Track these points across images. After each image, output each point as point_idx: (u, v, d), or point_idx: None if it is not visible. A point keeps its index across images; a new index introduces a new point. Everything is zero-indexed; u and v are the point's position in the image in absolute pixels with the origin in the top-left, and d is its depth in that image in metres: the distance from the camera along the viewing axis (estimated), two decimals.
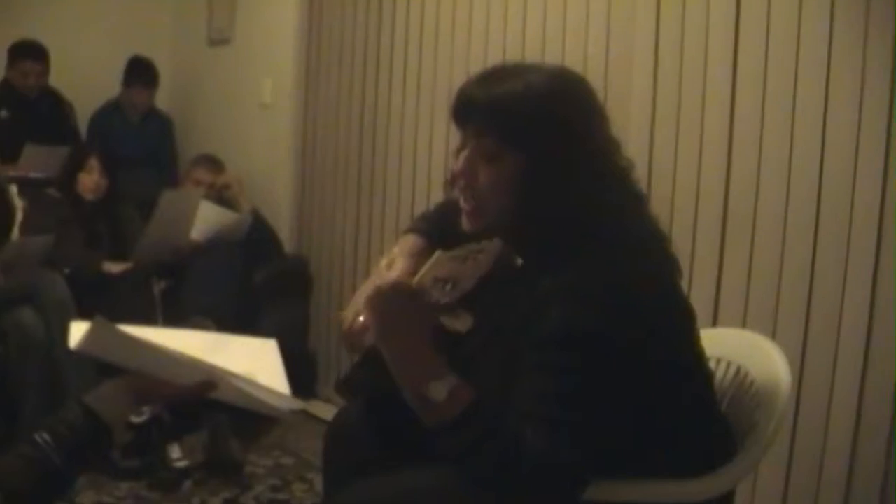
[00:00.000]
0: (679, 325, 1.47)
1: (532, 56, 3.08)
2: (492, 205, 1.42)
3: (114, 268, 3.56)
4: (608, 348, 1.31)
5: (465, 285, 1.24)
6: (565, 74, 1.49)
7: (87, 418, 1.27)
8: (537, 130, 1.38)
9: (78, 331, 1.31)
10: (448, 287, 1.25)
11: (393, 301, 1.35)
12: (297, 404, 1.47)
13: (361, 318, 1.52)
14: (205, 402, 1.42)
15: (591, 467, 1.30)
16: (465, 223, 1.47)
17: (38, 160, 4.03)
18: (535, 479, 1.27)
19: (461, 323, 1.33)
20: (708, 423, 1.52)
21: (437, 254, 1.38)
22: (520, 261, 1.50)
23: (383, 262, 1.42)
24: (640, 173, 1.54)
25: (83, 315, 3.08)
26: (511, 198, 1.39)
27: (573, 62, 2.92)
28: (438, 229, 1.62)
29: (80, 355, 1.38)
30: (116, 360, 1.36)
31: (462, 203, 1.47)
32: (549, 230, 1.39)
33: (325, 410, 3.56)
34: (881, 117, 2.24)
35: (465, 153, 1.44)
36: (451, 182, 1.50)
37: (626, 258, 1.37)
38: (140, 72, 4.73)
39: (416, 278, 1.34)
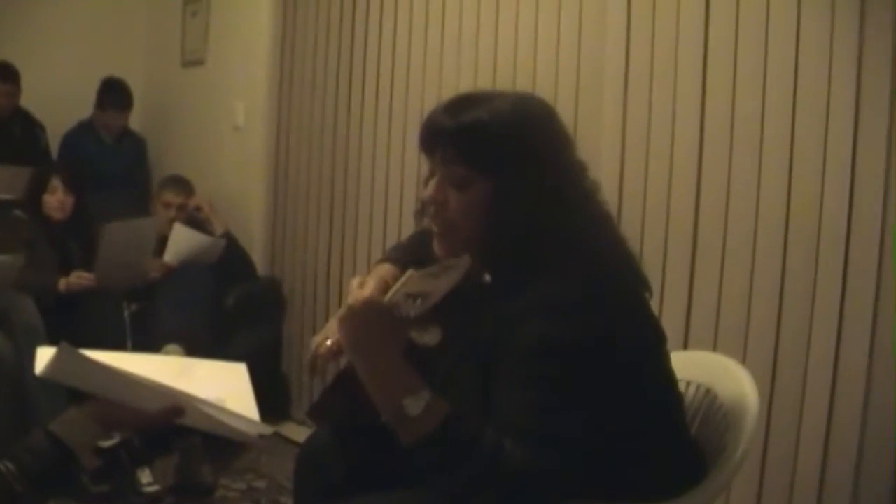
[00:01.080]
0: (650, 342, 1.49)
1: (503, 80, 3.09)
2: (463, 229, 1.44)
3: (73, 282, 3.51)
4: (584, 360, 1.32)
5: (435, 298, 1.24)
6: (530, 100, 1.52)
7: (51, 445, 1.26)
8: (504, 157, 1.41)
9: (44, 356, 1.30)
10: (418, 301, 1.25)
11: (366, 318, 1.34)
12: (267, 429, 1.46)
13: (329, 342, 1.54)
14: (174, 427, 1.41)
15: (570, 478, 1.29)
16: (437, 247, 1.49)
17: (2, 181, 4.00)
18: (515, 490, 1.26)
19: (430, 336, 1.34)
20: (678, 444, 1.52)
21: (409, 272, 1.38)
22: (488, 277, 1.51)
23: (354, 282, 1.41)
24: (610, 197, 1.58)
25: (54, 339, 3.07)
26: (481, 222, 1.42)
27: (544, 87, 2.95)
28: (412, 258, 1.62)
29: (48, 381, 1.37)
30: (83, 385, 1.35)
31: (434, 229, 1.49)
32: (518, 251, 1.41)
33: (299, 433, 3.55)
34: (846, 141, 2.26)
35: (434, 181, 1.46)
36: (421, 209, 1.53)
37: (598, 275, 1.40)
38: (114, 95, 4.69)
39: (388, 295, 1.34)
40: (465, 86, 3.26)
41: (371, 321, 1.34)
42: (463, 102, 1.47)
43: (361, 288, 1.37)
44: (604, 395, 1.33)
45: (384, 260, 1.67)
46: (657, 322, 1.54)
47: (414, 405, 1.28)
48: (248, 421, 1.43)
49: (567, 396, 1.30)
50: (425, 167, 1.54)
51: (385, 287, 1.42)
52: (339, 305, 1.70)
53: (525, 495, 1.27)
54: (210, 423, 1.40)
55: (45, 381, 1.32)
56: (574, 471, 1.28)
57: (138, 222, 3.79)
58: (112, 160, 4.73)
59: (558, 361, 1.31)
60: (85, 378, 1.33)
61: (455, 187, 1.43)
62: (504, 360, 1.35)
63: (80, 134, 4.76)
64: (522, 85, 3.01)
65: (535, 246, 1.40)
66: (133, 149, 4.90)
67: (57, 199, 3.70)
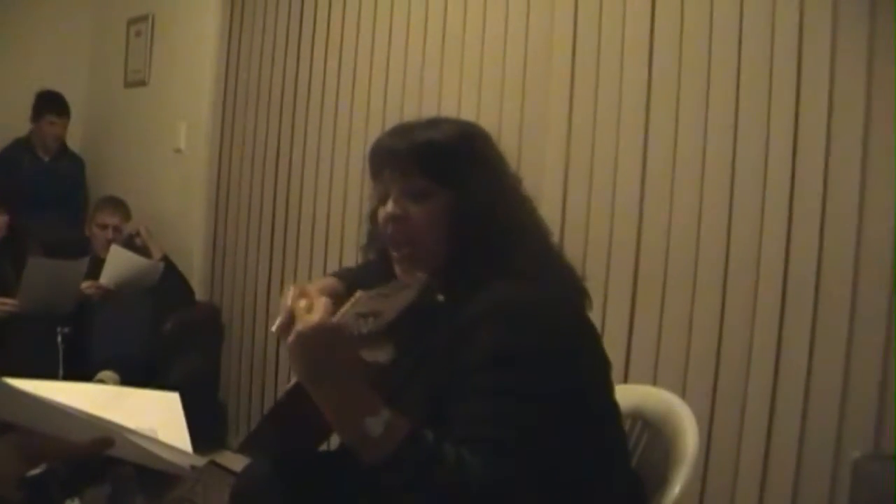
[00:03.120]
0: (596, 354, 1.50)
1: (448, 110, 3.10)
2: (424, 242, 1.45)
3: None
4: (536, 368, 1.33)
5: (388, 317, 1.22)
6: (470, 123, 1.61)
7: None
8: (462, 167, 1.46)
9: None
10: (370, 320, 1.23)
11: (317, 343, 1.31)
12: (199, 460, 1.42)
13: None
14: (104, 456, 1.36)
15: (526, 488, 1.28)
16: (398, 268, 1.49)
17: None
18: (480, 501, 1.25)
19: (382, 354, 1.31)
20: (621, 475, 1.52)
21: (358, 293, 1.37)
22: (441, 297, 1.50)
23: (302, 303, 1.36)
24: (553, 229, 1.58)
25: None
26: (445, 232, 1.44)
27: (488, 118, 2.97)
28: (358, 279, 1.61)
29: None
30: (6, 416, 1.29)
31: (394, 253, 1.49)
32: (475, 259, 1.43)
33: (236, 462, 3.49)
34: (784, 176, 2.30)
35: (393, 196, 1.47)
36: (369, 241, 1.57)
37: (546, 282, 1.42)
38: (50, 101, 4.63)
39: (337, 316, 1.31)
40: (409, 111, 3.27)
41: (323, 347, 1.30)
42: (411, 127, 1.52)
43: (309, 312, 1.34)
44: (558, 407, 1.33)
45: (329, 275, 1.66)
46: (601, 346, 1.54)
47: (374, 426, 1.25)
48: (180, 452, 1.39)
49: (524, 406, 1.30)
50: (369, 195, 1.55)
51: (332, 307, 1.39)
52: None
53: None
54: (140, 454, 1.35)
55: None
56: (530, 481, 1.28)
57: (64, 264, 3.66)
58: (49, 179, 4.65)
59: (513, 371, 1.31)
60: (10, 408, 1.27)
61: (414, 200, 1.45)
62: (459, 370, 1.34)
63: (16, 152, 4.66)
64: (466, 116, 3.03)
65: (492, 253, 1.43)
66: (70, 168, 4.82)
67: None
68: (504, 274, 1.39)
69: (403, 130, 1.51)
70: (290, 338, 1.28)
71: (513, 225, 1.46)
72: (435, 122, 1.52)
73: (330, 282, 1.65)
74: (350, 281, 1.64)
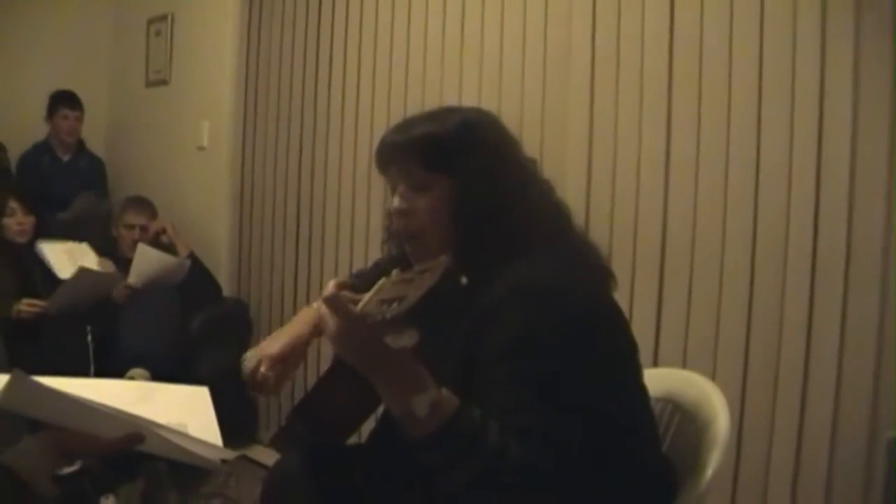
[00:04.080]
0: (622, 336, 1.50)
1: (468, 104, 3.09)
2: (432, 232, 1.48)
3: (23, 309, 3.48)
4: (570, 350, 1.33)
5: (411, 300, 1.22)
6: (476, 110, 1.61)
7: (3, 477, 1.22)
8: (458, 152, 1.47)
9: None
10: (394, 305, 1.22)
11: (352, 336, 1.30)
12: (229, 454, 1.43)
13: (262, 370, 1.57)
14: (137, 453, 1.37)
15: (567, 479, 1.28)
16: (412, 259, 1.51)
17: None
18: (520, 490, 1.25)
19: (406, 339, 1.31)
20: (651, 461, 1.51)
21: (382, 281, 1.37)
22: (465, 280, 1.51)
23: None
24: (577, 214, 1.58)
25: (15, 364, 3.00)
26: (449, 220, 1.46)
27: (510, 104, 2.95)
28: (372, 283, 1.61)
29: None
30: (38, 414, 1.31)
31: (406, 248, 1.53)
32: (487, 243, 1.43)
33: (267, 456, 3.51)
34: (810, 155, 2.28)
35: (398, 191, 1.51)
36: (387, 237, 1.60)
37: (566, 261, 1.43)
38: (62, 96, 4.67)
39: (361, 304, 1.31)
40: (430, 105, 3.24)
41: (359, 338, 1.29)
42: (411, 120, 1.55)
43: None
44: (591, 390, 1.34)
45: (342, 286, 1.65)
46: (628, 327, 1.53)
47: (420, 405, 1.26)
48: (210, 446, 1.39)
49: (561, 394, 1.30)
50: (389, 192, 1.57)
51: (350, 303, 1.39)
52: None
53: (531, 496, 1.25)
54: (170, 449, 1.36)
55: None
56: (572, 473, 1.27)
57: (107, 276, 3.76)
58: (66, 179, 4.69)
59: (547, 355, 1.32)
60: (40, 406, 1.29)
61: (417, 191, 1.48)
62: (489, 351, 1.34)
63: (36, 153, 4.71)
64: (488, 107, 3.02)
65: (503, 235, 1.43)
66: (89, 168, 4.85)
67: (16, 222, 3.65)
68: (523, 255, 1.40)
69: (405, 125, 1.54)
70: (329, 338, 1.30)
71: (522, 206, 1.46)
72: (436, 115, 1.55)
73: (308, 311, 1.71)
74: (366, 280, 1.65)
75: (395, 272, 1.39)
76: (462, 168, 1.46)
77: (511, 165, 1.51)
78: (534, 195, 1.50)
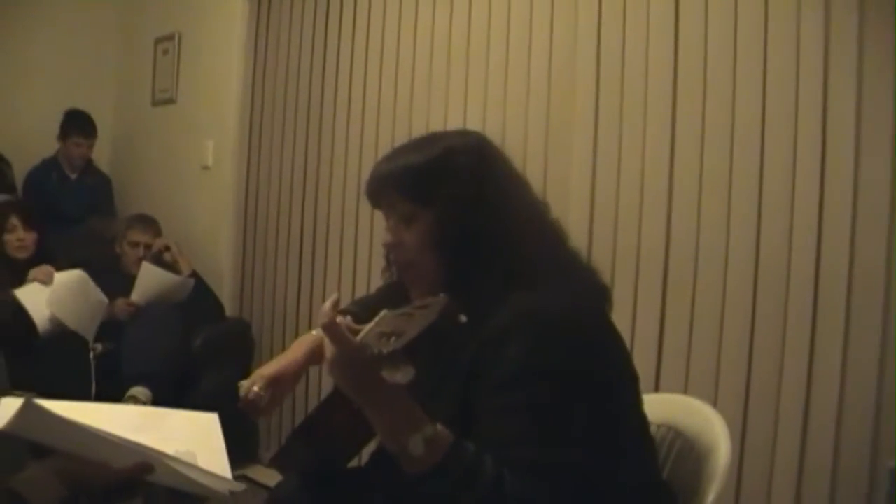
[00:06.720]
0: (623, 365, 1.49)
1: (473, 122, 3.12)
2: (420, 264, 1.48)
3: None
4: (569, 382, 1.32)
5: (410, 336, 1.23)
6: (464, 133, 1.60)
7: (10, 501, 1.22)
8: (438, 182, 1.46)
9: (7, 411, 1.26)
10: (392, 339, 1.23)
11: (348, 366, 1.31)
12: (238, 486, 1.42)
13: (255, 388, 1.60)
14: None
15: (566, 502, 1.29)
16: (413, 294, 1.51)
17: None
18: None
19: (402, 375, 1.31)
20: (650, 490, 1.51)
21: (383, 312, 1.37)
22: (464, 318, 1.50)
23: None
24: (580, 239, 1.57)
25: (17, 382, 3.00)
26: (436, 252, 1.45)
27: (513, 123, 2.97)
28: (373, 310, 1.62)
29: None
30: (47, 441, 1.31)
31: (402, 279, 1.52)
32: (478, 271, 1.42)
33: (267, 476, 3.50)
34: (813, 182, 2.30)
35: (388, 224, 1.52)
36: (385, 256, 1.59)
37: (564, 288, 1.41)
38: (78, 122, 4.68)
39: (360, 336, 1.33)
40: (434, 125, 3.28)
41: (355, 370, 1.30)
42: (398, 151, 1.55)
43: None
44: (591, 422, 1.33)
45: (336, 305, 1.66)
46: (629, 356, 1.54)
47: (415, 443, 1.26)
48: (219, 478, 1.40)
49: (560, 426, 1.30)
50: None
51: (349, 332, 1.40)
52: None
53: None
54: (179, 480, 1.36)
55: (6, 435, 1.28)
56: (564, 497, 1.28)
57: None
58: (75, 196, 4.70)
59: (547, 386, 1.31)
60: (50, 434, 1.29)
61: (404, 223, 1.49)
62: (489, 383, 1.34)
63: (44, 170, 4.72)
64: (492, 125, 3.04)
65: (492, 262, 1.42)
66: (96, 186, 4.86)
67: (17, 238, 3.65)
68: (519, 284, 1.39)
69: (390, 157, 1.54)
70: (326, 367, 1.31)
71: (511, 230, 1.44)
72: (420, 144, 1.53)
73: (309, 336, 1.71)
74: (367, 307, 1.66)
75: (386, 312, 1.39)
76: (442, 198, 1.45)
77: (498, 190, 1.48)
78: (523, 218, 1.48)
